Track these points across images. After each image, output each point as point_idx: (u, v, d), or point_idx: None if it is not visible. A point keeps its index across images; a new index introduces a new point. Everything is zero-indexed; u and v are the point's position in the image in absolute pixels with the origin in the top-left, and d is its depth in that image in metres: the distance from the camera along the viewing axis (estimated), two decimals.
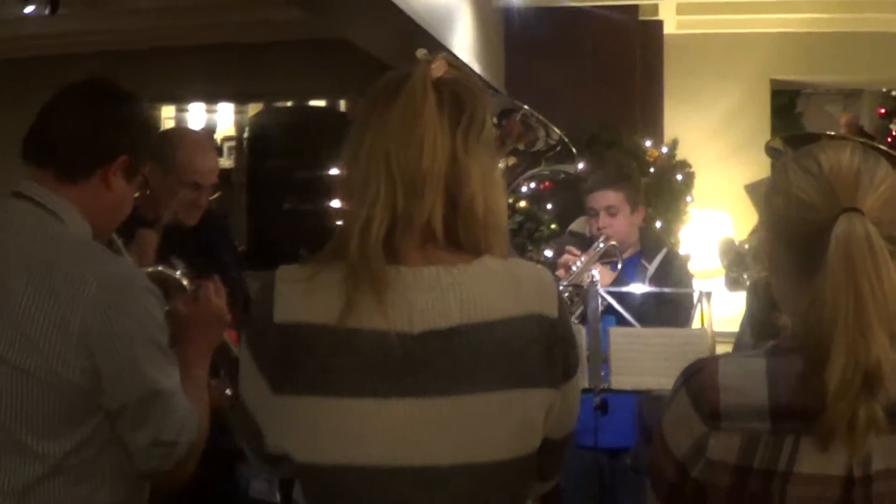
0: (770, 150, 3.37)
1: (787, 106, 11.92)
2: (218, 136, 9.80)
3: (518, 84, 6.75)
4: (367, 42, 5.92)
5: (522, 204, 6.51)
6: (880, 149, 2.32)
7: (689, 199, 6.91)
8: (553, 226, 6.46)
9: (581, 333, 3.56)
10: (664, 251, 4.47)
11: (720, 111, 7.61)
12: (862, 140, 3.32)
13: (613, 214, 4.29)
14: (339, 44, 6.51)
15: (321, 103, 9.62)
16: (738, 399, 1.63)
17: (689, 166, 7.00)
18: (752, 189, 4.44)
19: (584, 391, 3.17)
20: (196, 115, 9.79)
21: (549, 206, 6.52)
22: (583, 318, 3.74)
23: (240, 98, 9.58)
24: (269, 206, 7.97)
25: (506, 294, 1.69)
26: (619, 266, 4.28)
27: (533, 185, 6.25)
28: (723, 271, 4.34)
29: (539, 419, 1.73)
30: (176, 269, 2.66)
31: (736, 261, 3.80)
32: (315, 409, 1.66)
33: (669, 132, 7.35)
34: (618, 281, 4.18)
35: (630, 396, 3.81)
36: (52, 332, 2.04)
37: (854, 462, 1.58)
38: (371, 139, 1.69)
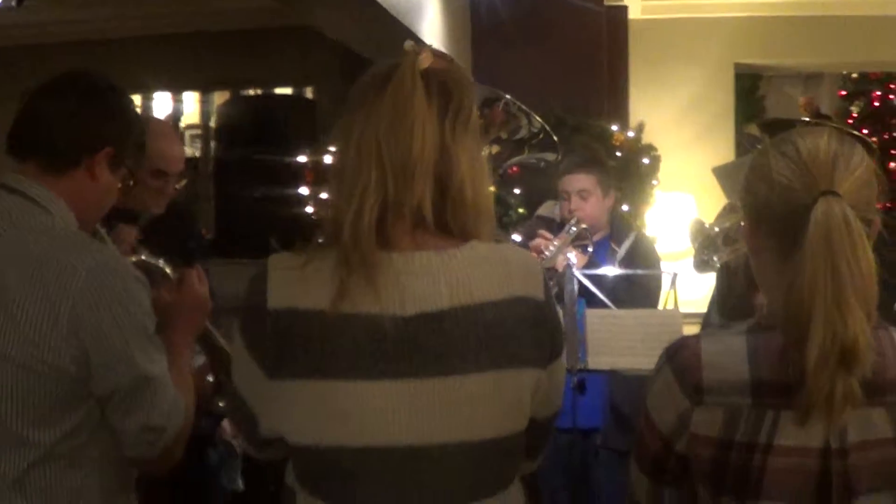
0: (746, 136, 3.43)
1: (750, 89, 12.00)
2: (180, 125, 9.77)
3: (485, 70, 6.76)
4: (334, 29, 5.92)
5: (490, 189, 6.52)
6: (854, 134, 2.39)
7: (654, 182, 6.97)
8: (521, 210, 6.49)
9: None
10: (633, 234, 4.53)
11: (685, 95, 7.66)
12: (837, 125, 3.39)
13: (585, 198, 4.33)
14: (306, 31, 6.50)
15: (287, 91, 9.62)
16: (720, 375, 1.69)
17: (655, 150, 7.05)
18: (719, 171, 4.50)
19: None
20: (161, 104, 9.75)
21: (516, 191, 6.55)
22: (559, 300, 3.79)
23: (205, 86, 9.55)
24: (236, 194, 7.97)
25: (494, 277, 1.74)
26: (590, 249, 4.33)
27: (500, 170, 6.27)
28: (688, 253, 4.40)
29: (527, 398, 1.78)
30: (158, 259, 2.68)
31: (706, 243, 3.86)
32: (310, 393, 1.70)
33: (635, 116, 7.39)
34: (589, 264, 4.23)
35: (600, 377, 3.87)
36: (42, 322, 2.05)
37: (831, 434, 1.64)
38: (361, 129, 1.73)
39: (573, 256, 3.94)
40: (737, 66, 8.06)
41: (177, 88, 9.61)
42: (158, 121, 4.04)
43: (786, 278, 1.63)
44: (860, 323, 1.58)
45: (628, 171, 6.75)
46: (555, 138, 2.82)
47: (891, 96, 12.66)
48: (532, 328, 1.76)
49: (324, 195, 6.77)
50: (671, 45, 7.71)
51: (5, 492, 2.07)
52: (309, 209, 6.69)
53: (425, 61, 1.76)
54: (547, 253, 4.14)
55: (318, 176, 6.77)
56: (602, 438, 4.31)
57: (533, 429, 1.83)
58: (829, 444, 1.65)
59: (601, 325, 3.60)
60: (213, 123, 9.42)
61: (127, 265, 2.25)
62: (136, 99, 9.51)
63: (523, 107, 2.63)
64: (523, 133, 2.72)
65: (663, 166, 7.06)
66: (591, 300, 3.87)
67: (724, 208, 4.21)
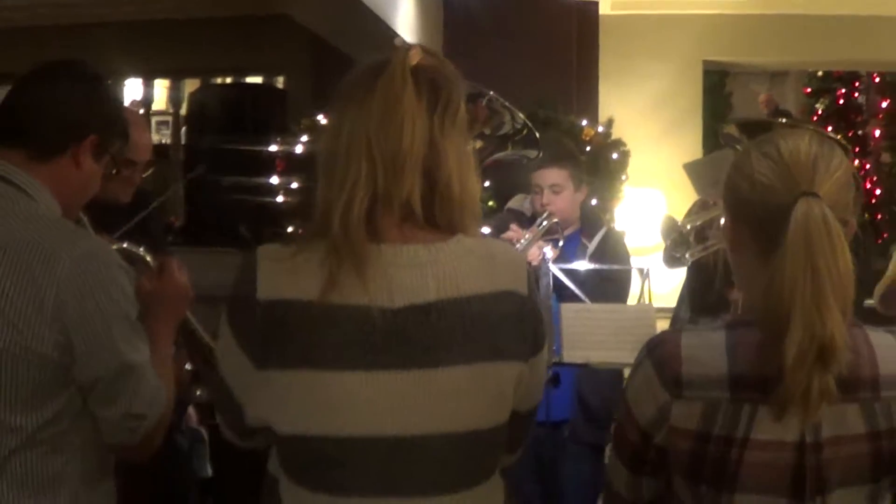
0: (724, 136, 3.48)
1: (717, 85, 12.10)
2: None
3: (456, 63, 6.76)
4: (308, 18, 5.92)
5: (477, 184, 6.51)
6: (831, 137, 2.44)
7: (623, 177, 7.01)
8: (490, 203, 6.51)
9: None
10: (604, 229, 4.55)
11: (654, 91, 7.73)
12: (813, 127, 3.45)
13: (557, 192, 4.34)
14: (279, 20, 6.49)
15: (258, 80, 9.59)
16: (699, 369, 1.73)
17: (625, 145, 7.09)
18: (690, 168, 4.55)
19: None
20: (132, 91, 9.70)
21: (486, 184, 6.56)
22: None
23: (176, 74, 9.50)
24: (206, 182, 7.94)
25: (480, 271, 1.77)
26: (561, 243, 4.35)
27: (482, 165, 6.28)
28: (657, 248, 4.44)
29: (510, 392, 1.81)
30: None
31: (678, 240, 3.90)
32: (298, 383, 1.73)
33: (605, 111, 7.44)
34: (559, 258, 4.25)
35: (569, 371, 3.90)
36: (26, 309, 2.06)
37: (806, 429, 1.69)
38: (352, 123, 1.76)
39: (549, 250, 3.97)
40: (705, 62, 8.14)
41: (148, 75, 9.56)
42: (128, 109, 4.02)
43: (765, 276, 1.67)
44: (837, 321, 1.62)
45: (597, 166, 6.78)
46: (537, 135, 2.85)
47: (855, 94, 12.82)
48: (516, 322, 1.79)
49: (294, 185, 6.76)
50: (641, 41, 7.77)
51: None
52: (279, 198, 6.70)
53: (415, 57, 1.79)
54: (518, 246, 4.16)
55: (288, 165, 6.77)
56: (570, 431, 4.34)
57: (515, 421, 1.86)
58: (804, 438, 1.69)
59: (576, 319, 3.63)
60: (183, 111, 9.37)
61: (112, 253, 2.26)
62: None
63: (506, 103, 2.66)
64: (506, 129, 2.75)
65: (632, 162, 7.11)
66: (562, 294, 3.91)
67: (696, 205, 4.26)
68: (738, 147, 3.25)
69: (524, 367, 1.83)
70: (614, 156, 6.95)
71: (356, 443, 1.73)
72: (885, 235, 11.00)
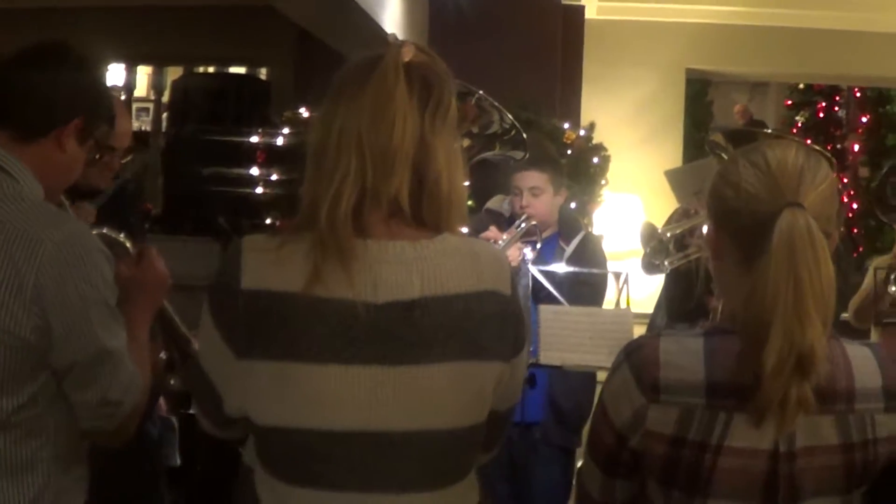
0: (710, 143, 3.49)
1: (698, 94, 12.15)
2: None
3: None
4: (293, 10, 5.91)
5: (465, 183, 6.52)
6: (818, 150, 2.46)
7: (603, 181, 7.04)
8: (469, 202, 6.51)
9: None
10: (582, 233, 4.55)
11: (636, 97, 7.76)
12: (797, 140, 3.46)
13: (537, 195, 4.35)
14: (264, 11, 6.48)
15: (241, 70, 9.57)
16: (676, 374, 1.74)
17: (605, 150, 7.13)
18: (671, 175, 4.57)
19: None
20: (113, 76, 9.65)
21: (465, 184, 6.55)
22: None
23: (160, 61, 9.47)
24: (186, 170, 7.91)
25: (465, 270, 1.78)
26: (538, 246, 4.35)
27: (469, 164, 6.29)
28: (634, 253, 4.45)
29: (490, 391, 1.82)
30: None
31: (658, 247, 3.92)
32: (279, 374, 1.73)
33: (587, 115, 7.46)
34: (536, 261, 4.26)
35: (542, 372, 3.91)
36: (5, 291, 2.05)
37: (780, 438, 1.70)
38: (343, 118, 1.76)
39: (528, 252, 3.98)
40: (688, 70, 8.18)
41: (130, 61, 9.52)
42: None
43: (747, 284, 1.68)
44: (818, 332, 1.63)
45: (578, 169, 6.80)
46: (524, 136, 2.86)
47: (835, 108, 12.90)
48: (499, 321, 1.80)
49: (274, 177, 6.74)
50: (625, 47, 7.80)
51: None
52: (258, 190, 6.69)
53: (408, 54, 1.79)
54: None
55: (269, 157, 6.76)
56: (541, 433, 4.36)
57: (492, 421, 1.87)
58: (777, 447, 1.71)
59: (554, 321, 3.64)
60: (165, 98, 9.34)
61: (93, 238, 2.25)
62: None
63: (495, 103, 2.67)
64: (495, 128, 2.76)
65: (612, 167, 7.14)
66: (538, 296, 3.92)
67: (677, 212, 4.27)
68: (723, 155, 3.27)
69: (505, 367, 1.83)
70: (595, 160, 6.98)
71: (334, 436, 1.73)
72: (861, 249, 11.07)
